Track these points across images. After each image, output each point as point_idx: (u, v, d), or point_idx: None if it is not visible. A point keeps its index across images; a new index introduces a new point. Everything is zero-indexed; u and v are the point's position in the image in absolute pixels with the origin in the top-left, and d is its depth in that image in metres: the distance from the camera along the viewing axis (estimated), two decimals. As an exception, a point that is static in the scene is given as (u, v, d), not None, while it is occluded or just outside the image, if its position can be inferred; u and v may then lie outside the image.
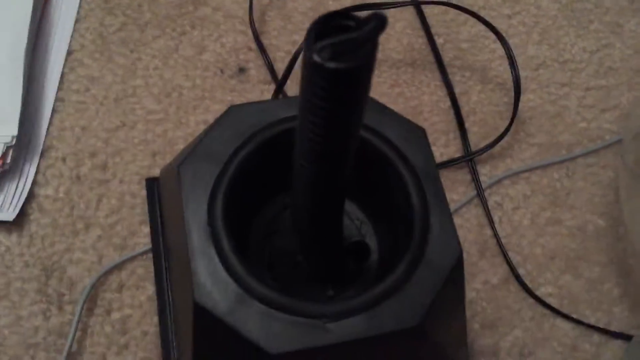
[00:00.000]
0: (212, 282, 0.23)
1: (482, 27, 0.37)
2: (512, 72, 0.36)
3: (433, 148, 0.35)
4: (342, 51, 0.16)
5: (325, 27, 0.17)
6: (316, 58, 0.16)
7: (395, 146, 0.26)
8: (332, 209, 0.24)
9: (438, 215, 0.25)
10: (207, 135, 0.26)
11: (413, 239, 0.24)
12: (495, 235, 0.34)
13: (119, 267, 0.32)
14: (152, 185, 0.33)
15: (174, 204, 0.27)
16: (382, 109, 0.27)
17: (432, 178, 0.25)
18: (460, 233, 0.34)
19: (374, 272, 0.28)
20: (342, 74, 0.17)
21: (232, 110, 0.26)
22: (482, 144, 0.36)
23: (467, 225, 0.34)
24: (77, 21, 0.38)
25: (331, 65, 0.17)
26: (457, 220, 0.34)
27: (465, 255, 0.33)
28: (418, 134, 0.26)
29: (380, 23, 0.16)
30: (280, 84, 0.36)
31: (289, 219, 0.28)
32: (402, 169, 0.25)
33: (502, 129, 0.36)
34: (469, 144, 0.36)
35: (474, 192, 0.35)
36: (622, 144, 0.33)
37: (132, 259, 0.32)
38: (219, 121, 0.26)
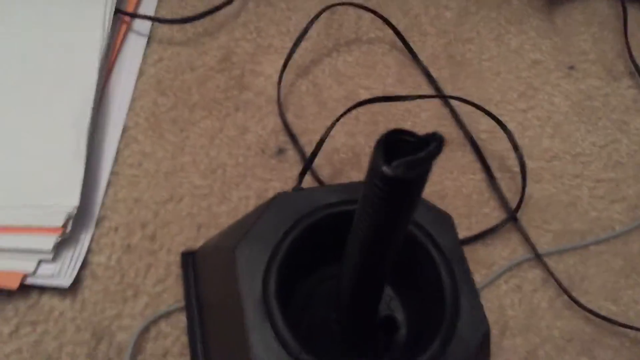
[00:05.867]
0: (268, 355, 0.25)
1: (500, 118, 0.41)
2: (518, 161, 0.39)
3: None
4: (410, 165, 0.19)
5: (390, 140, 0.21)
6: (387, 171, 0.20)
7: (426, 230, 0.29)
8: (373, 289, 0.27)
9: (466, 294, 0.27)
10: (259, 219, 0.29)
11: (445, 316, 0.27)
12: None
13: (164, 334, 0.34)
14: (188, 259, 0.36)
15: (224, 281, 0.30)
16: None
17: (459, 259, 0.28)
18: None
19: (402, 345, 0.30)
20: (407, 182, 0.20)
21: (280, 197, 0.29)
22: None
23: (489, 306, 0.37)
24: (132, 100, 0.42)
25: (401, 175, 0.20)
26: (479, 300, 0.36)
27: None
28: (446, 219, 0.29)
29: (440, 143, 0.20)
30: (305, 166, 0.40)
31: (325, 292, 0.31)
32: (432, 250, 0.28)
33: (516, 214, 0.39)
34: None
35: (494, 275, 0.37)
36: None
37: (177, 326, 0.34)
38: (268, 207, 0.29)
